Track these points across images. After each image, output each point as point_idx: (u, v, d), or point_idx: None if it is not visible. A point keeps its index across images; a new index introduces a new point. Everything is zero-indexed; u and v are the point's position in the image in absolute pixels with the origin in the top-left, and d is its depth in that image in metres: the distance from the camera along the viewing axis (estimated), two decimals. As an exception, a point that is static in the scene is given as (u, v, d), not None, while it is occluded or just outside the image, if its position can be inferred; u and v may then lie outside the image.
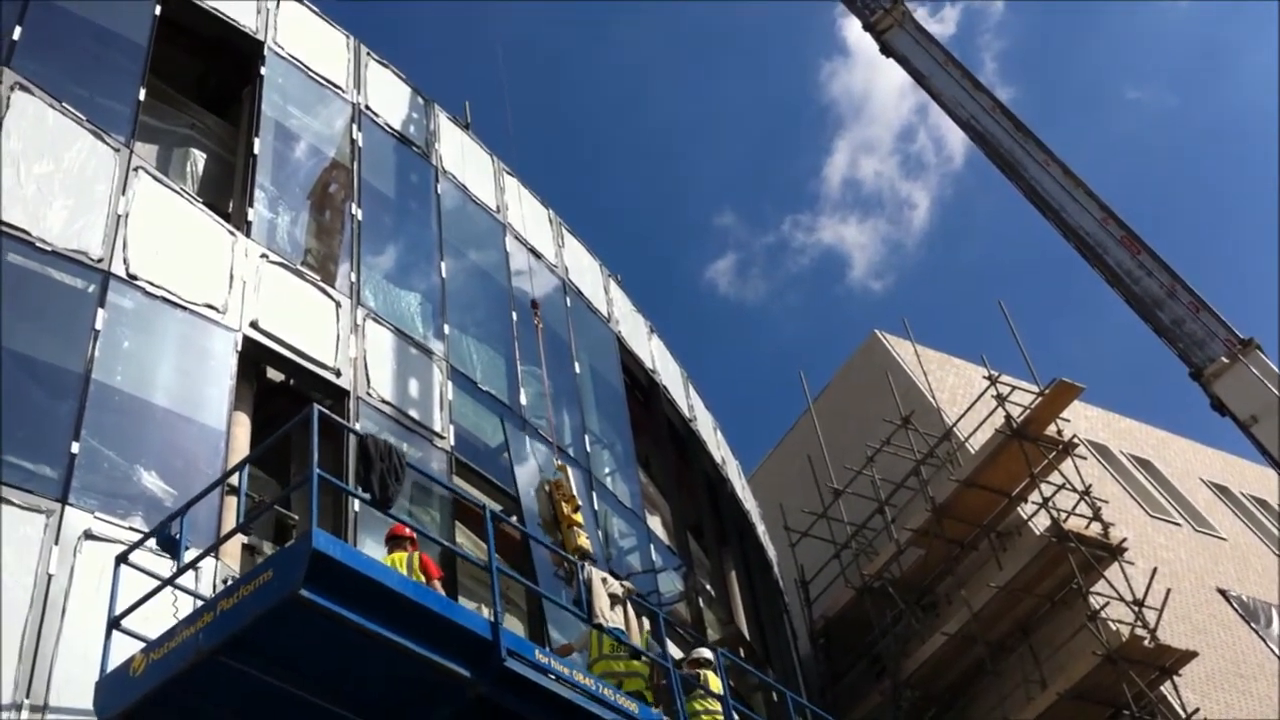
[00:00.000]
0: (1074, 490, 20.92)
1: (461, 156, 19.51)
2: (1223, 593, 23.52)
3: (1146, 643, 18.57)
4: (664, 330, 23.69)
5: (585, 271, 21.54)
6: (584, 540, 13.22)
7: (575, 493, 13.97)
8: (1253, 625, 23.01)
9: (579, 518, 13.49)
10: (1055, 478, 21.31)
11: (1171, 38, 64.76)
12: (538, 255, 19.93)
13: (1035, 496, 21.13)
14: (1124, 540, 20.21)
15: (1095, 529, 20.18)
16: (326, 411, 9.90)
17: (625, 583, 12.48)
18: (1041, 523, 21.10)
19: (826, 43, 65.76)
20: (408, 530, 10.76)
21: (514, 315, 18.04)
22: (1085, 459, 23.10)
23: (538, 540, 13.55)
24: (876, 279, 66.74)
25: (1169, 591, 19.91)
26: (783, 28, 64.65)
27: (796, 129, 66.62)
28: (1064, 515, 20.29)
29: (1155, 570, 20.08)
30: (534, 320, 17.31)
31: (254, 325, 13.64)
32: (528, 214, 20.44)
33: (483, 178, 19.80)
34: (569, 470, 14.79)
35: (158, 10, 15.35)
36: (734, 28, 63.36)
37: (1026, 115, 19.57)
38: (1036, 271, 62.56)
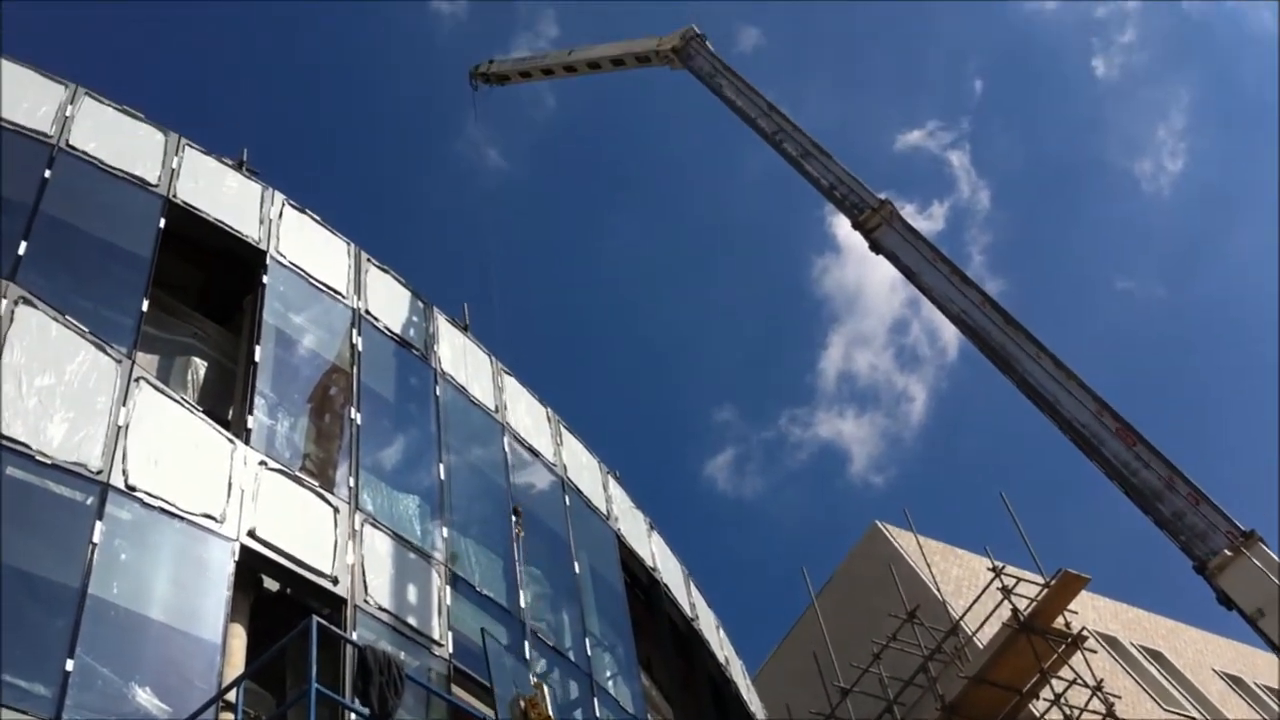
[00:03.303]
0: (1086, 685, 20.48)
1: (461, 358, 19.70)
2: (1243, 789, 22.90)
3: (1168, 845, 18.01)
4: (664, 527, 23.56)
5: (584, 469, 21.51)
6: None
7: (551, 712, 13.69)
8: (1276, 823, 22.33)
9: None
10: (1066, 672, 20.87)
11: (1157, 228, 66.20)
12: (536, 454, 19.94)
13: (1046, 692, 20.67)
14: (1139, 737, 19.74)
15: (1109, 726, 19.73)
16: (325, 623, 9.78)
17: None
18: (1054, 720, 20.64)
19: (818, 239, 67.17)
20: None
21: (513, 516, 17.95)
22: (1095, 652, 22.67)
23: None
24: (877, 473, 66.76)
25: (1188, 789, 19.39)
26: (774, 226, 66.03)
27: (791, 324, 67.56)
28: (1077, 712, 19.84)
29: (1173, 767, 19.61)
30: (515, 529, 17.24)
31: (251, 534, 13.54)
32: (526, 412, 20.54)
33: (481, 378, 19.95)
34: (545, 687, 14.52)
35: (162, 223, 15.72)
36: (727, 225, 64.72)
37: (1015, 307, 19.63)
38: (1036, 461, 62.72)
